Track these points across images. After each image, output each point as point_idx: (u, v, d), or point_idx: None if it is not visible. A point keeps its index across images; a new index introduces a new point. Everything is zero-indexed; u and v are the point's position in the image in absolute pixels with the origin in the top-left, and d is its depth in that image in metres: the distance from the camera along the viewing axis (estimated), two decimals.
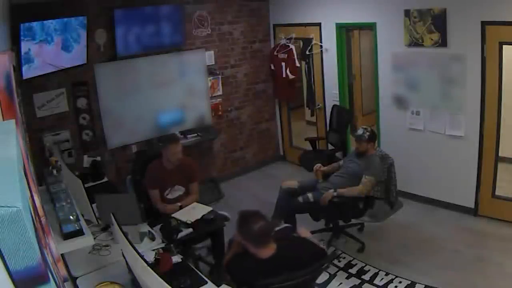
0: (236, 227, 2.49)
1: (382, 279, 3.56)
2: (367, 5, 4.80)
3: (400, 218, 4.43)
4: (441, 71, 4.28)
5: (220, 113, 5.73)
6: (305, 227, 3.05)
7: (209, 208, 3.51)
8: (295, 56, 5.68)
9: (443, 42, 4.18)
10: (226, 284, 2.55)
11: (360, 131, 3.87)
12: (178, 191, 3.71)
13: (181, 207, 3.54)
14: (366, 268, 3.74)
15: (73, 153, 4.52)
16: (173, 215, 3.38)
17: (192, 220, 3.28)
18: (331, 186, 3.92)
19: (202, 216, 3.37)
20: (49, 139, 4.23)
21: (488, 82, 3.98)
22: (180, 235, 3.13)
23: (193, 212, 3.44)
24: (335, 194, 3.73)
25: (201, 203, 3.67)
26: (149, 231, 3.09)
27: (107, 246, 2.91)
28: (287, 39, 5.72)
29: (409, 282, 3.46)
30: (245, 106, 6.00)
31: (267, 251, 2.43)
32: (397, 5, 4.47)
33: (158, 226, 3.25)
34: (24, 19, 3.42)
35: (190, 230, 3.21)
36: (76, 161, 4.50)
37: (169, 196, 3.68)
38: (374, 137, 3.90)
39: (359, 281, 3.58)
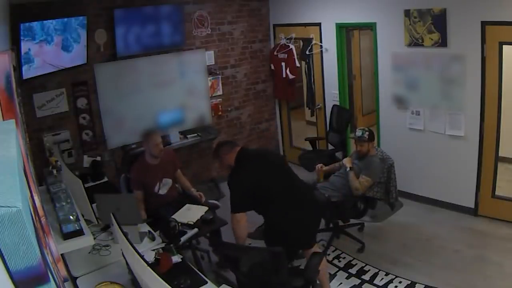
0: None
1: (382, 279, 3.56)
2: (367, 5, 4.80)
3: (400, 218, 4.43)
4: (441, 71, 4.28)
5: (220, 113, 5.73)
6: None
7: (205, 208, 3.52)
8: (295, 56, 5.68)
9: (443, 42, 4.18)
10: (226, 284, 2.55)
11: (359, 132, 3.87)
12: (167, 184, 3.76)
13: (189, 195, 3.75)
14: (366, 268, 3.74)
15: (73, 153, 4.51)
16: (172, 217, 3.38)
17: (194, 221, 3.29)
18: (331, 186, 3.93)
19: (201, 217, 3.38)
20: (49, 139, 4.23)
21: (488, 82, 3.98)
22: (186, 236, 3.13)
23: (190, 213, 3.45)
24: (348, 169, 3.79)
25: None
26: (149, 231, 3.09)
27: (107, 246, 2.90)
28: (287, 39, 5.72)
29: (409, 282, 3.46)
30: (245, 106, 6.00)
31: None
32: (397, 5, 4.46)
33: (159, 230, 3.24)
34: (24, 19, 3.41)
35: (196, 230, 3.23)
36: (76, 161, 4.49)
37: (161, 192, 3.71)
38: (373, 136, 3.91)
39: (359, 281, 3.58)
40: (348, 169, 3.81)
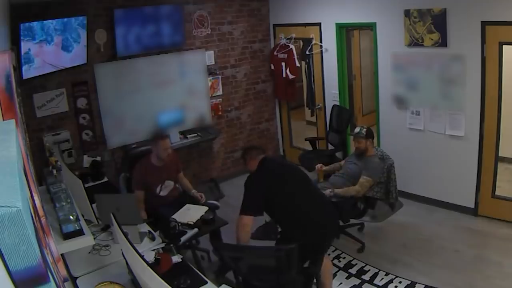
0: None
1: (382, 279, 3.56)
2: (367, 5, 4.80)
3: (400, 218, 4.43)
4: (441, 71, 4.28)
5: (220, 113, 5.73)
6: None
7: (205, 208, 3.53)
8: (295, 56, 5.68)
9: (443, 42, 4.18)
10: (226, 284, 2.55)
11: (357, 129, 3.90)
12: (169, 186, 3.77)
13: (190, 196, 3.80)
14: (366, 268, 3.74)
15: (73, 153, 4.51)
16: (172, 217, 3.38)
17: (194, 221, 3.29)
18: (331, 186, 3.93)
19: (201, 217, 3.38)
20: (49, 139, 4.23)
21: (488, 82, 3.98)
22: (185, 237, 3.14)
23: (190, 213, 3.45)
24: (331, 194, 3.72)
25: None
26: (149, 231, 3.09)
27: (107, 246, 2.90)
28: (287, 39, 5.73)
29: (409, 282, 3.46)
30: (245, 106, 6.00)
31: None
32: (397, 5, 4.46)
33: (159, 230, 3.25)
34: (24, 19, 3.42)
35: (196, 230, 3.23)
36: (76, 161, 4.49)
37: (162, 194, 3.72)
38: (371, 134, 3.91)
39: (359, 281, 3.58)
40: (330, 191, 3.71)
